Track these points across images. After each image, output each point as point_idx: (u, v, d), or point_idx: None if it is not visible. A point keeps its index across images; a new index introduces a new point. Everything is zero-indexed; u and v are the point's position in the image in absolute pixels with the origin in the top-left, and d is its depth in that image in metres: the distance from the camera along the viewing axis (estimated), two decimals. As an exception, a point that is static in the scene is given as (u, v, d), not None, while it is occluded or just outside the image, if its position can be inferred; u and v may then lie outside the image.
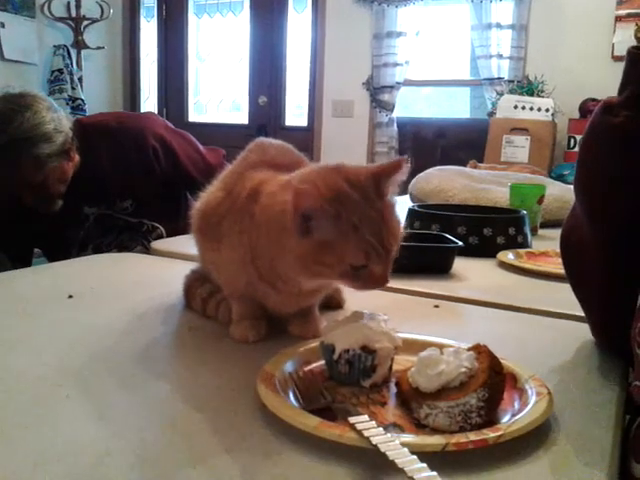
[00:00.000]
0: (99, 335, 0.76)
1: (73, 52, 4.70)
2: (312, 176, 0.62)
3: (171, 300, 0.89)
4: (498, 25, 4.10)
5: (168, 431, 0.54)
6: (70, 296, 0.91)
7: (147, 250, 1.62)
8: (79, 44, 4.75)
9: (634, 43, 3.53)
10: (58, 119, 1.65)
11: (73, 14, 4.74)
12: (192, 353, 0.72)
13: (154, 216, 1.85)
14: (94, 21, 4.79)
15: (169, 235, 1.75)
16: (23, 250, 1.88)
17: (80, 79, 4.70)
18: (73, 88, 4.59)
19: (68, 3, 4.74)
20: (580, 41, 3.90)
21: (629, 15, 3.73)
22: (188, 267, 0.89)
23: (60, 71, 4.58)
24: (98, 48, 4.81)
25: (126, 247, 1.79)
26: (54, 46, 4.63)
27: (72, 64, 4.66)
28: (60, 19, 4.69)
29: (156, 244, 1.32)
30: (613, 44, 3.80)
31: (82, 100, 4.58)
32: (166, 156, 1.82)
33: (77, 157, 1.73)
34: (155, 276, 1.09)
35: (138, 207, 1.83)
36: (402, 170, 0.64)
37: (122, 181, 1.77)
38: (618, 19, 3.79)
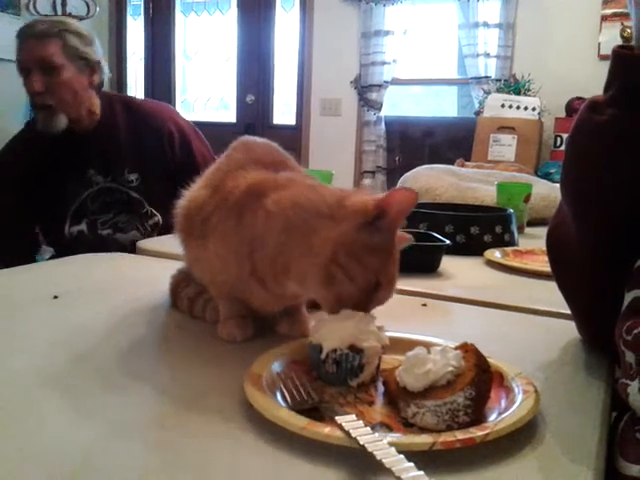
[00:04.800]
0: (84, 335, 0.76)
1: (59, 50, 4.66)
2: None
3: (157, 300, 0.89)
4: (485, 24, 4.11)
5: (154, 432, 0.53)
6: (55, 296, 0.90)
7: (141, 235, 1.72)
8: (65, 42, 4.70)
9: (620, 42, 3.56)
10: (97, 46, 1.85)
11: (59, 12, 4.69)
12: (179, 353, 0.72)
13: (156, 201, 1.84)
14: (80, 19, 4.73)
15: (165, 226, 1.75)
16: (23, 223, 1.88)
17: (66, 77, 4.66)
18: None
19: (54, 1, 4.69)
20: (566, 40, 3.92)
21: (615, 14, 3.76)
22: (174, 266, 0.89)
23: (46, 69, 4.54)
24: (84, 46, 4.77)
25: (121, 229, 1.81)
26: (40, 44, 4.59)
27: (58, 62, 4.62)
28: (45, 17, 4.64)
29: (142, 243, 1.31)
30: (599, 43, 3.82)
31: (68, 98, 4.54)
32: (182, 146, 1.87)
33: (98, 109, 1.83)
34: (141, 276, 1.09)
35: (143, 184, 1.84)
36: (407, 243, 0.71)
37: (133, 153, 1.82)
38: (604, 18, 3.81)
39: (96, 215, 1.81)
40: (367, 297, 0.63)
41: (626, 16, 3.65)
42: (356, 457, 0.47)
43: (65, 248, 1.73)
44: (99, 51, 1.85)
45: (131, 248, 1.65)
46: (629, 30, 3.53)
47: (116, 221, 1.82)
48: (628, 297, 0.60)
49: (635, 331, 0.56)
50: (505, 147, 3.60)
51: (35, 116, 1.80)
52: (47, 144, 1.78)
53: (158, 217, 1.84)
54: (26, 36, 1.75)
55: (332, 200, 0.65)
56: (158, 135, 1.85)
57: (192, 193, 0.77)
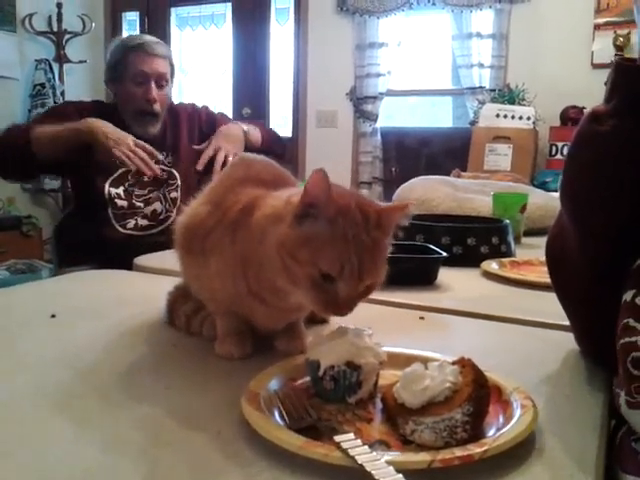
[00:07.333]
0: (82, 354, 0.76)
1: (55, 66, 4.67)
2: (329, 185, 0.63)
3: (154, 317, 0.89)
4: (479, 34, 4.13)
5: (150, 450, 0.53)
6: (53, 315, 0.90)
7: (162, 206, 2.01)
8: (61, 58, 4.72)
9: (613, 51, 3.58)
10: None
11: (55, 28, 4.71)
12: (176, 371, 0.72)
13: (184, 178, 2.08)
14: (76, 35, 4.77)
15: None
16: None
17: (62, 93, 4.67)
18: (55, 102, 4.56)
19: (49, 17, 4.72)
20: (560, 49, 3.94)
21: (607, 23, 3.78)
22: (171, 283, 0.89)
23: (42, 85, 4.55)
24: (80, 62, 4.78)
25: (148, 202, 2.02)
26: (36, 60, 4.60)
27: (54, 78, 4.63)
28: (41, 33, 4.66)
29: (139, 260, 1.31)
30: (592, 52, 3.85)
31: (64, 114, 4.54)
32: (207, 121, 2.18)
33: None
34: (138, 293, 1.08)
35: (174, 162, 2.09)
36: (405, 213, 0.66)
37: (172, 138, 2.12)
38: (597, 27, 3.84)
39: (133, 187, 2.00)
40: (323, 295, 0.61)
41: (619, 25, 3.68)
42: (355, 476, 0.46)
43: (100, 206, 1.94)
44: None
45: (151, 216, 1.98)
46: (622, 39, 3.56)
47: (148, 197, 2.02)
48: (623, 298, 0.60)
49: (621, 341, 0.56)
50: (501, 156, 3.62)
51: (135, 121, 2.05)
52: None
53: (178, 194, 2.04)
54: (149, 52, 2.02)
55: (286, 202, 0.65)
56: (191, 113, 2.19)
57: (192, 209, 0.77)
